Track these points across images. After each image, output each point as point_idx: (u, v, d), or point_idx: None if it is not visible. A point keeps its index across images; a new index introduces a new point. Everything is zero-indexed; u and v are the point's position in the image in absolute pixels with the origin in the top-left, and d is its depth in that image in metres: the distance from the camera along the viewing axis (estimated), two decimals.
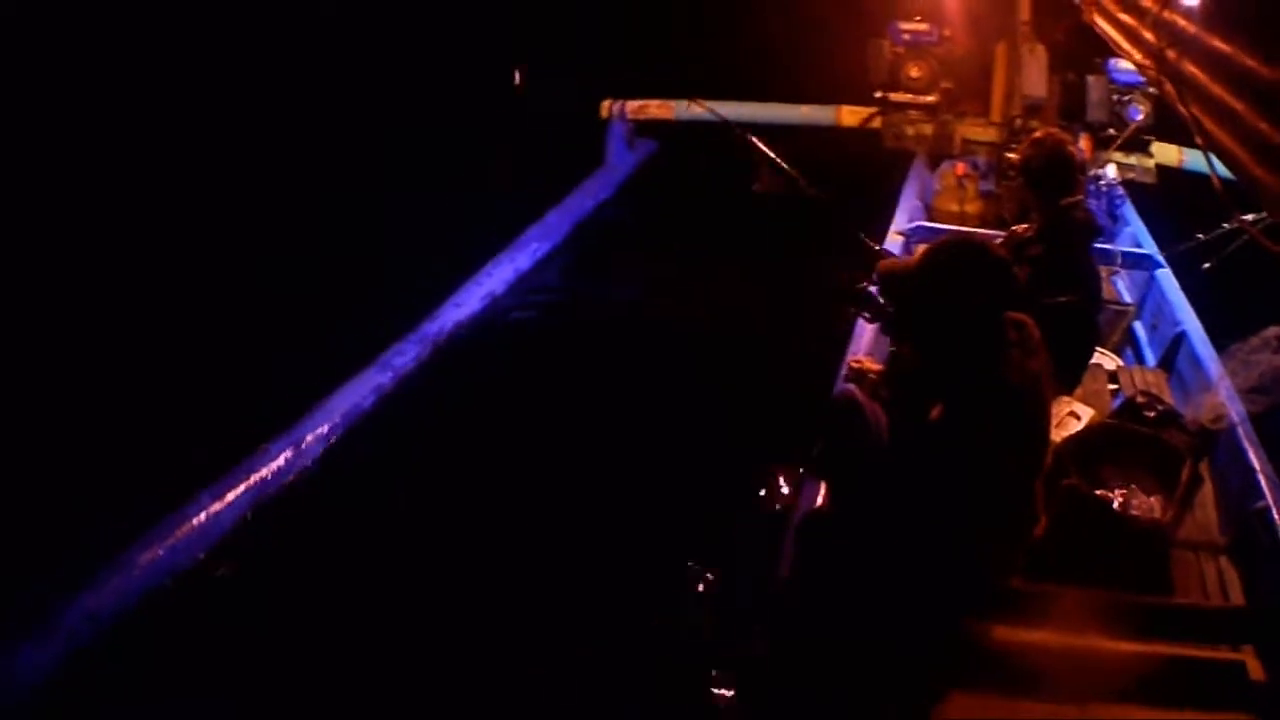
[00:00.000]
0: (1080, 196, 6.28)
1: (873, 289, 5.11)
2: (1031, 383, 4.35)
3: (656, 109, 12.81)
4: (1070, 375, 6.24)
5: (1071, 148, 6.20)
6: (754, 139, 6.33)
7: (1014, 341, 4.32)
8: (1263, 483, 5.71)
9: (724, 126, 6.92)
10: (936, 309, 4.33)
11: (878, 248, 6.32)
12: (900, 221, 9.34)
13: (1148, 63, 5.11)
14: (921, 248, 8.18)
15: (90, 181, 10.85)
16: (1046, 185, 6.07)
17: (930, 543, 4.25)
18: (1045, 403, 4.53)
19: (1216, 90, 4.07)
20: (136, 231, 10.00)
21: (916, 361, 4.76)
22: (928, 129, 11.40)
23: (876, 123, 11.79)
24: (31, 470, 6.58)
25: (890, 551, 4.33)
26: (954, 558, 4.26)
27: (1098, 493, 5.21)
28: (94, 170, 11.04)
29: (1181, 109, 4.46)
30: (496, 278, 9.88)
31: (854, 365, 5.48)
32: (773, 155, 6.38)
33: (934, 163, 11.19)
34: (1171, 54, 4.68)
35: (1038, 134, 6.42)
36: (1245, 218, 4.25)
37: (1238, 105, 3.80)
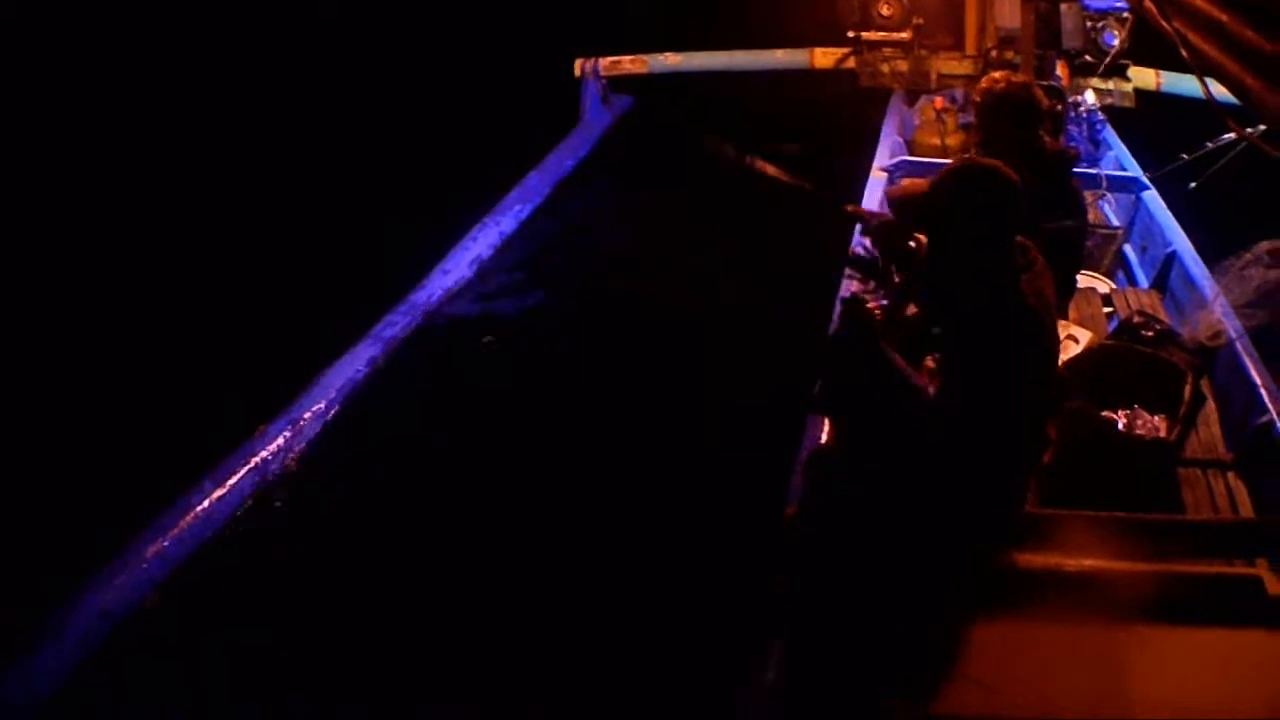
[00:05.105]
0: (1041, 132, 6.21)
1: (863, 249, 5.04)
2: (1043, 305, 4.34)
3: (630, 64, 12.71)
4: (1060, 301, 6.23)
5: (1021, 86, 6.07)
6: None
7: (1022, 266, 4.30)
8: (1265, 397, 5.74)
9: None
10: (954, 230, 4.29)
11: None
12: (882, 158, 9.35)
13: None
14: (906, 181, 8.20)
15: (78, 162, 10.76)
16: (1007, 125, 5.98)
17: (944, 473, 4.24)
18: (1055, 325, 4.52)
19: (1199, 3, 4.03)
20: (122, 219, 9.94)
21: (923, 293, 4.74)
22: (903, 65, 11.32)
23: (851, 63, 11.70)
24: (30, 470, 6.54)
25: (901, 483, 4.32)
26: (969, 487, 4.26)
27: (1103, 414, 5.22)
28: (83, 150, 10.95)
29: (1165, 25, 4.42)
30: (482, 242, 9.83)
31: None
32: None
33: (912, 99, 11.19)
34: None
35: (983, 83, 6.32)
36: (1247, 130, 4.22)
37: (1223, 16, 3.77)
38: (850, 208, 5.20)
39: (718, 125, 12.36)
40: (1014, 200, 4.23)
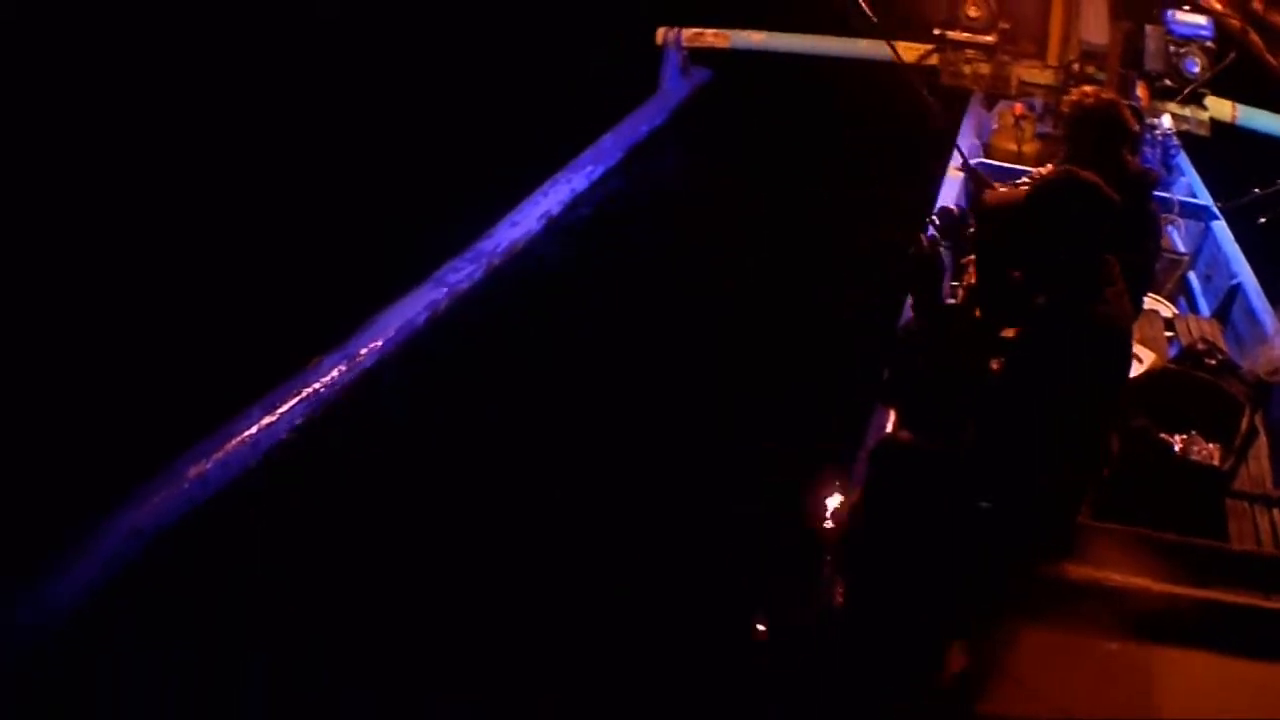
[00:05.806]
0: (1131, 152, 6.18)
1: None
2: (1123, 320, 4.37)
3: (712, 37, 12.72)
4: None
5: (1112, 104, 6.02)
6: None
7: (1107, 280, 4.31)
8: None
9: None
10: (1046, 238, 4.30)
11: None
12: (959, 158, 9.33)
13: (1231, 13, 5.06)
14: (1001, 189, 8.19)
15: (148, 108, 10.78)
16: (1092, 141, 5.95)
17: (998, 474, 4.28)
18: (1130, 344, 4.53)
19: None
20: (192, 141, 10.03)
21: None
22: (985, 69, 11.26)
23: (933, 60, 11.65)
24: (79, 385, 6.61)
25: (961, 478, 4.36)
26: (1030, 493, 4.29)
27: (1160, 435, 5.25)
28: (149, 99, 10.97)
29: (1269, 60, 4.43)
30: (552, 198, 9.93)
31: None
32: None
33: (990, 102, 11.14)
34: (1257, 4, 4.65)
35: (1073, 95, 6.26)
36: None
37: None
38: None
39: (793, 106, 12.29)
40: (1109, 217, 4.26)
